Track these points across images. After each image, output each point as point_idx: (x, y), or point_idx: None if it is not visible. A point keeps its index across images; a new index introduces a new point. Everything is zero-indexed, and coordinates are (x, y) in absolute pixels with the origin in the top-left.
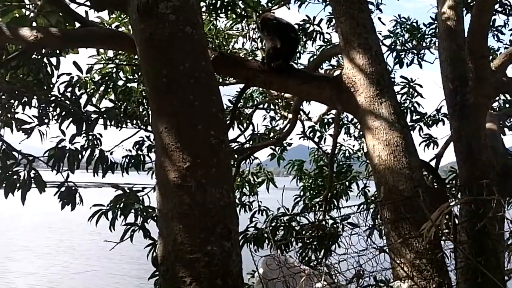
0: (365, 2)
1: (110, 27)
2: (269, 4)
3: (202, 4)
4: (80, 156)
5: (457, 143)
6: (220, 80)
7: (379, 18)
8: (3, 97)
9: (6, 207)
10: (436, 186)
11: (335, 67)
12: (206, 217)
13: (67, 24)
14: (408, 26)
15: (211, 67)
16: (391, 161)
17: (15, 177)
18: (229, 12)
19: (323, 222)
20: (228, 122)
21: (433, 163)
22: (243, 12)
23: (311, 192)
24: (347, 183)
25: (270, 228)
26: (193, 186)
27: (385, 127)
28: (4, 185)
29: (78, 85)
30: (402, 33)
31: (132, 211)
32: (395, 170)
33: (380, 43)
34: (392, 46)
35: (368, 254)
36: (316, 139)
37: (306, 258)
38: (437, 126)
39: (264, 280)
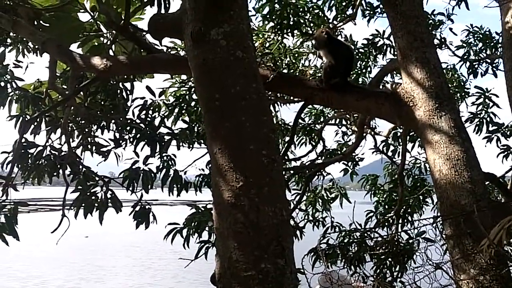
0: (423, 16)
1: (181, 51)
2: (335, 22)
3: (270, 24)
4: (153, 176)
5: None
6: (292, 98)
7: (451, 29)
8: (82, 122)
9: (85, 227)
10: (503, 200)
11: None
12: (259, 235)
13: (141, 51)
14: (481, 36)
15: (262, 88)
16: (452, 175)
17: (93, 198)
18: (295, 31)
19: (396, 238)
20: (290, 138)
21: (509, 175)
22: (309, 30)
23: (385, 207)
24: (420, 197)
25: (343, 244)
26: (247, 205)
27: (445, 141)
28: (83, 206)
29: (151, 108)
30: (475, 43)
31: (206, 228)
32: (456, 184)
33: (452, 54)
34: (465, 57)
35: (425, 271)
36: (390, 153)
37: (381, 275)
38: None
39: None
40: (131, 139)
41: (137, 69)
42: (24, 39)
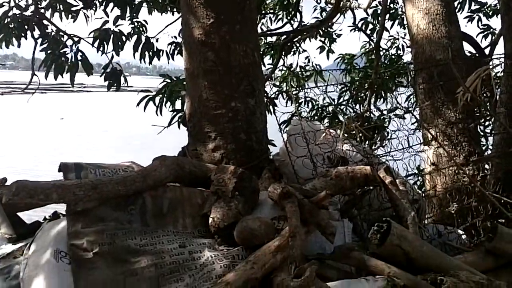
0: None
1: None
2: None
3: None
4: (124, 38)
5: (505, 16)
6: None
7: None
8: None
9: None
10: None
11: None
12: (230, 73)
13: None
14: None
15: None
16: (430, 30)
17: (63, 59)
18: None
19: (368, 112)
20: None
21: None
22: None
23: (359, 83)
24: (396, 76)
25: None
26: (217, 42)
27: None
28: (53, 67)
29: None
30: None
31: (179, 98)
32: (433, 39)
33: None
34: None
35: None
36: (369, 32)
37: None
38: (497, 17)
39: (287, 136)
40: (101, 0)
41: None
42: None
